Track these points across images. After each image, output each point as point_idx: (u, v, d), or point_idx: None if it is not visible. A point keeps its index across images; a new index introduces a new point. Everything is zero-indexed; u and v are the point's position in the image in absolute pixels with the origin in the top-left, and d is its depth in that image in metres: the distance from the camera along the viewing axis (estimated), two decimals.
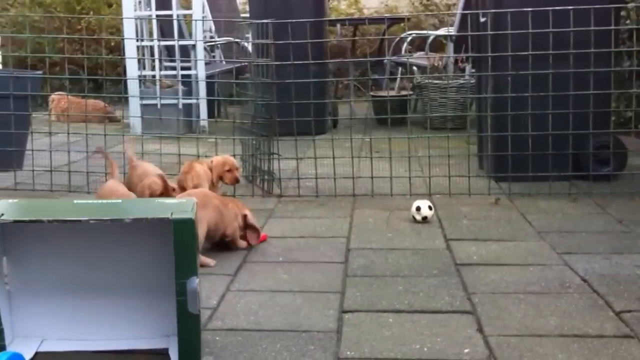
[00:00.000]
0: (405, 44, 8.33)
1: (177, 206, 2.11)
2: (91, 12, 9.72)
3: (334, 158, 4.39)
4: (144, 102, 6.71)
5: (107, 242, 2.15)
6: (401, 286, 2.79)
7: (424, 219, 3.76)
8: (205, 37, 8.84)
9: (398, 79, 7.90)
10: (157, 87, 6.90)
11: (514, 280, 2.86)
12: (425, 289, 2.75)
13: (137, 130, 6.66)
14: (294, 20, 4.46)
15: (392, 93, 7.45)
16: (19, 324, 2.13)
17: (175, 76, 7.03)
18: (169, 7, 7.15)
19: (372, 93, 7.57)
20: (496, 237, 3.50)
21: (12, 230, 2.11)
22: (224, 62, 8.63)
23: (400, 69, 8.05)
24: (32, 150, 4.77)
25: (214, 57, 8.57)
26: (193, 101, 7.00)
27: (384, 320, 2.45)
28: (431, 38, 7.92)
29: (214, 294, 2.67)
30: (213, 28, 9.02)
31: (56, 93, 8.11)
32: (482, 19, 4.76)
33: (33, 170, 4.57)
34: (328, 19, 7.28)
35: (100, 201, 2.38)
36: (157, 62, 6.91)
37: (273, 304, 2.59)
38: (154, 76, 7.19)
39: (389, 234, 3.55)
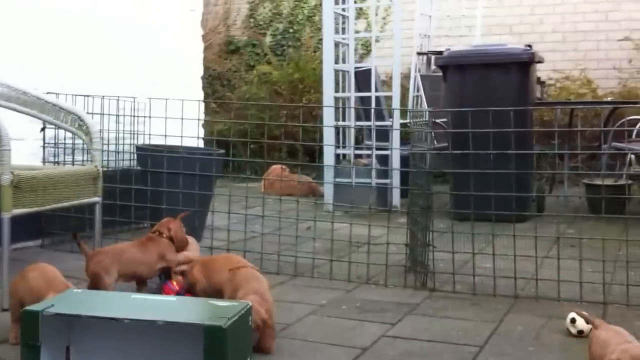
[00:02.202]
0: (637, 128, 7.73)
1: (222, 311, 2.03)
2: (312, 90, 10.11)
3: (494, 255, 4.07)
4: (338, 180, 6.76)
5: (152, 339, 2.11)
6: None
7: (580, 332, 3.34)
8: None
9: (624, 166, 7.31)
10: (352, 167, 6.93)
11: None
12: None
13: (329, 207, 6.73)
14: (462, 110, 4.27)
15: (609, 182, 6.89)
16: None
17: (370, 155, 7.03)
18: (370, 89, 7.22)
19: (585, 181, 7.04)
20: None
21: (77, 321, 2.14)
22: (434, 143, 8.52)
23: (630, 157, 7.45)
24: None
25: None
26: (386, 181, 6.94)
27: None
28: None
29: None
30: (425, 106, 8.96)
31: (274, 167, 8.34)
32: None
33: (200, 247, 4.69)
34: (532, 106, 6.93)
35: (156, 298, 2.36)
36: (351, 143, 6.96)
37: None
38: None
39: (531, 347, 3.19)
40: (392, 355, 3.03)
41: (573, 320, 3.36)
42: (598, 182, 6.90)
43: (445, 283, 4.19)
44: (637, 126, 7.80)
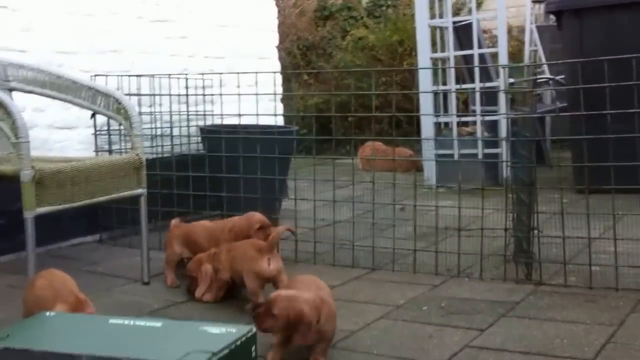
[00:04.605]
0: None
1: (211, 342, 1.63)
2: (413, 53, 9.53)
3: (615, 240, 3.47)
4: (440, 152, 6.23)
5: None
6: None
7: None
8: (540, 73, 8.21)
9: None
10: (454, 134, 6.39)
11: None
12: None
13: (432, 182, 6.21)
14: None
15: None
16: None
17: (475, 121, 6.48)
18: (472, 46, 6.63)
19: None
20: None
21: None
22: (556, 103, 7.86)
23: None
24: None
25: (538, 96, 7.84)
26: (496, 151, 6.37)
27: None
28: None
29: None
30: (544, 61, 8.30)
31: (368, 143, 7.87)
32: None
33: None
34: None
35: (138, 323, 1.95)
36: (453, 110, 6.42)
37: None
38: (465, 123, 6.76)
39: None
40: None
41: None
42: None
43: (555, 275, 3.62)
44: None
